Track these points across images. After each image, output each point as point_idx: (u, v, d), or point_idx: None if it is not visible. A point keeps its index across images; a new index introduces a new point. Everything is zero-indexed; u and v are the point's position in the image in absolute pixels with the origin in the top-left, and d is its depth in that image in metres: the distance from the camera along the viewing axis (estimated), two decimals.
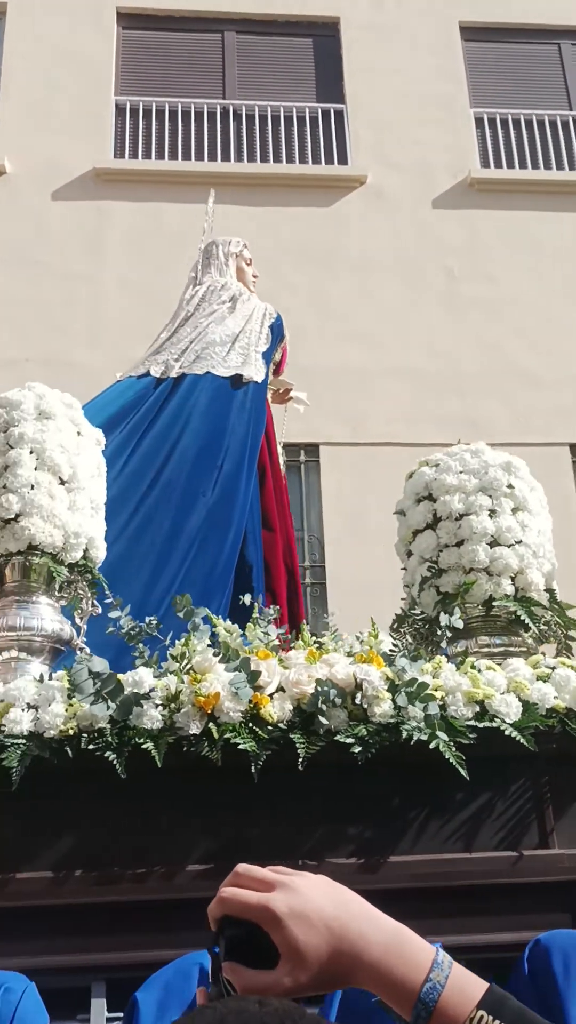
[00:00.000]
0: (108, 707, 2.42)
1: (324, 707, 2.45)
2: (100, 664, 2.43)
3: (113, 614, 2.69)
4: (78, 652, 2.94)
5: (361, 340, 7.39)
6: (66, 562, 2.92)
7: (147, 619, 2.66)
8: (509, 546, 2.91)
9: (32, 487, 2.87)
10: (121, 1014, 2.11)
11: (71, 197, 7.76)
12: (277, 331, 4.19)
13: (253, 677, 2.51)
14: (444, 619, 2.69)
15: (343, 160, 8.15)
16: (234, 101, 8.32)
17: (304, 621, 3.63)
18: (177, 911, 2.34)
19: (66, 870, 2.40)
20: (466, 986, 0.87)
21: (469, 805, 2.55)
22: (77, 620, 2.99)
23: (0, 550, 2.88)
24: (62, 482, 2.95)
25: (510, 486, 3.00)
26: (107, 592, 3.03)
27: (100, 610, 3.02)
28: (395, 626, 3.11)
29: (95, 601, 3.02)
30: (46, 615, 2.89)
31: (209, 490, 3.61)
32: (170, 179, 7.81)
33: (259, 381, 3.95)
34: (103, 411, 3.60)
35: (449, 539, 2.98)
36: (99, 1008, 2.14)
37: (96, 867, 2.41)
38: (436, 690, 2.54)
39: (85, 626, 2.99)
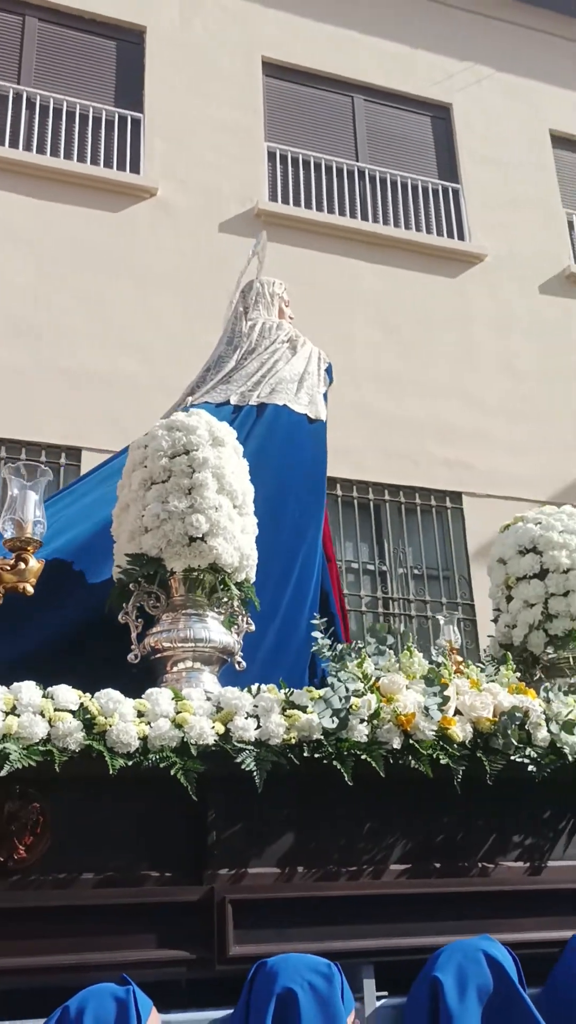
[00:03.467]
0: (332, 720, 2.70)
1: (510, 731, 2.84)
2: (354, 684, 2.71)
3: (316, 634, 2.96)
4: (236, 665, 3.17)
5: (134, 350, 7.49)
6: (235, 581, 3.15)
7: (355, 643, 2.95)
8: None
9: (216, 509, 3.08)
10: (385, 993, 2.42)
11: None
12: (330, 374, 4.52)
13: (445, 700, 2.86)
14: None
15: (135, 169, 8.23)
16: (28, 88, 8.21)
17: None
18: (381, 905, 2.66)
19: (290, 867, 2.65)
20: None
21: None
22: (235, 635, 3.20)
23: (180, 566, 3.06)
24: (234, 506, 3.17)
25: None
26: (256, 607, 3.29)
27: (254, 627, 3.26)
28: (490, 658, 3.55)
29: (250, 619, 3.25)
30: (216, 628, 3.11)
31: (306, 517, 3.89)
32: None
33: (324, 420, 4.27)
34: None
35: (557, 589, 3.47)
36: (370, 987, 2.43)
37: (315, 864, 2.68)
38: None
39: (242, 641, 3.21)
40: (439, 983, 2.28)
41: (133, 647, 3.08)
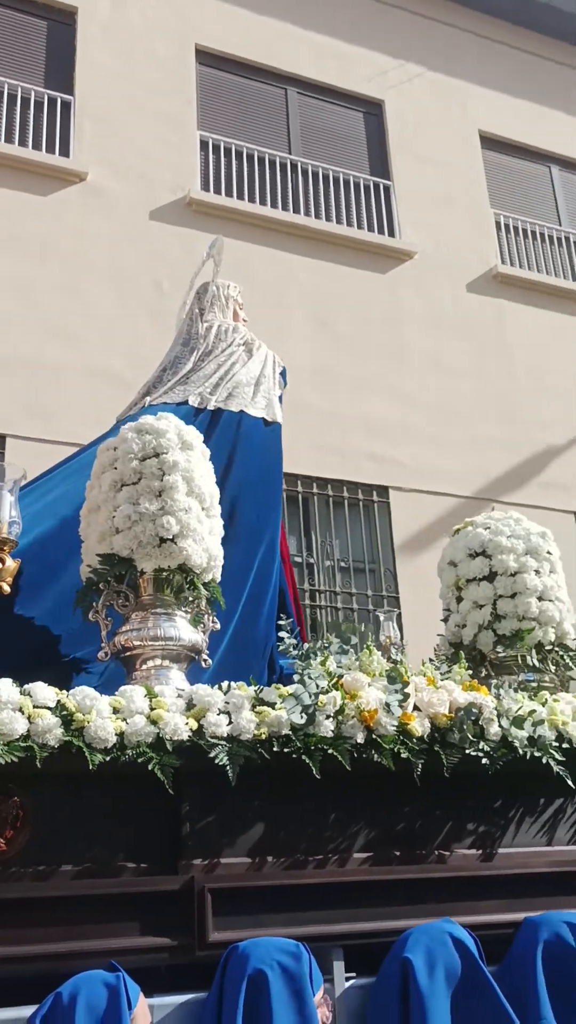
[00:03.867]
0: (301, 716, 2.83)
1: (465, 726, 3.01)
2: (323, 681, 2.83)
3: (283, 634, 3.07)
4: (203, 663, 3.27)
5: (62, 337, 7.36)
6: (203, 581, 3.25)
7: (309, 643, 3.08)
8: (551, 601, 3.64)
9: (186, 511, 3.17)
10: (353, 975, 2.57)
11: None
12: (284, 378, 4.63)
13: (405, 697, 3.01)
14: (529, 659, 3.36)
15: (65, 152, 8.02)
16: None
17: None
18: (348, 892, 2.79)
19: (260, 856, 2.77)
20: None
21: (547, 808, 3.21)
22: (201, 634, 3.29)
23: (150, 566, 3.15)
24: (202, 508, 3.26)
25: (549, 552, 3.74)
26: (222, 606, 3.39)
27: (219, 626, 3.36)
28: (442, 657, 3.72)
29: (215, 618, 3.35)
30: (185, 626, 3.20)
31: (263, 519, 3.99)
32: None
33: (280, 423, 4.38)
34: None
35: (505, 591, 3.65)
36: (339, 969, 2.56)
37: (284, 854, 2.80)
38: (530, 715, 3.18)
39: (208, 639, 3.30)
40: (410, 964, 2.43)
41: (103, 645, 3.15)
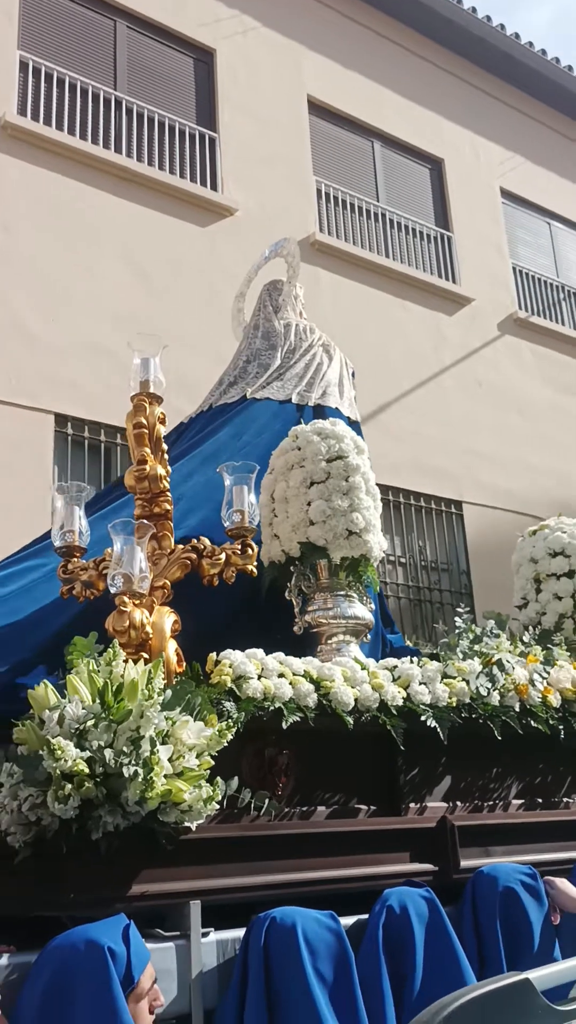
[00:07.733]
0: (488, 690, 3.44)
1: None
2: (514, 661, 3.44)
3: (458, 619, 3.66)
4: (364, 638, 3.80)
5: None
6: (373, 568, 3.78)
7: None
8: None
9: (368, 509, 3.69)
10: None
11: None
12: (354, 377, 5.12)
13: (547, 675, 3.68)
14: None
15: None
16: None
17: None
18: (503, 833, 3.43)
19: (451, 801, 3.38)
20: None
21: None
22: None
23: (339, 555, 3.65)
24: (375, 506, 3.79)
25: None
26: (376, 590, 3.93)
27: (374, 606, 3.89)
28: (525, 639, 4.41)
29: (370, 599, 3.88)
30: (360, 606, 3.72)
31: None
32: None
33: (359, 421, 4.89)
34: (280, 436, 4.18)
35: None
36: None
37: (465, 799, 3.42)
38: None
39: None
40: None
41: (297, 620, 3.64)
